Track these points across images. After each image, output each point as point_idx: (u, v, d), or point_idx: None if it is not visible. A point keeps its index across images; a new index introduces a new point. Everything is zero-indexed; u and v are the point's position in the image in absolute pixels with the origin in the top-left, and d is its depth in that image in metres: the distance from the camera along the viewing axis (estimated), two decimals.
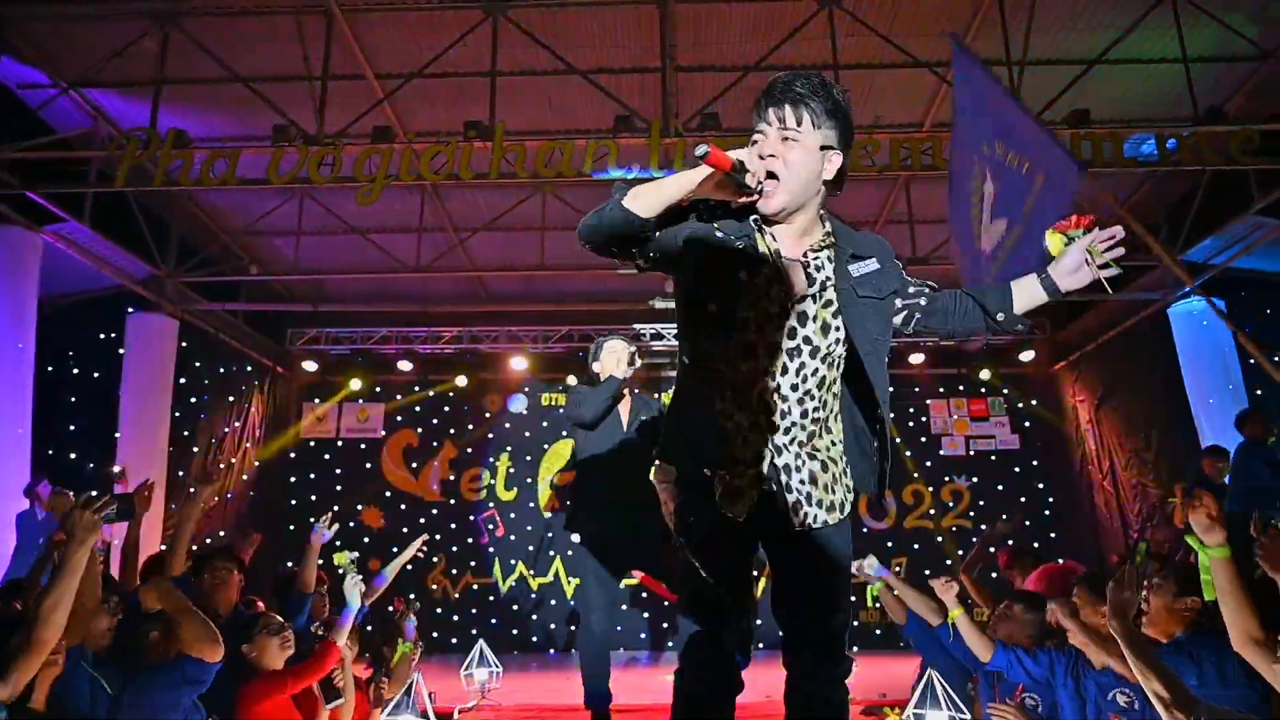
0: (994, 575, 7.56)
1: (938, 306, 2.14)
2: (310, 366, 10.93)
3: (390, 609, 4.71)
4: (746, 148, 1.90)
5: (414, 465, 11.18)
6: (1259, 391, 8.38)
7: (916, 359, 10.97)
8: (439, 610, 10.56)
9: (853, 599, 9.70)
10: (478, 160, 6.63)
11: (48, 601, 2.35)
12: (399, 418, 11.32)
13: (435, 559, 10.80)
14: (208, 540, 9.39)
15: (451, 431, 11.29)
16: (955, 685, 3.65)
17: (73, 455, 8.15)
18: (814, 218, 1.98)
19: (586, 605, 4.12)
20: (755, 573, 2.15)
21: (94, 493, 2.55)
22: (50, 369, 8.20)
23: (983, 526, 10.64)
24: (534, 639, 10.52)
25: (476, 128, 6.57)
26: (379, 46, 7.01)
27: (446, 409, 11.34)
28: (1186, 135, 6.67)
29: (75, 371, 8.33)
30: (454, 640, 10.21)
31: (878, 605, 4.88)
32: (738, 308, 1.90)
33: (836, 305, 1.95)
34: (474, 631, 10.06)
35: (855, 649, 9.17)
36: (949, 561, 10.54)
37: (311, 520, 4.31)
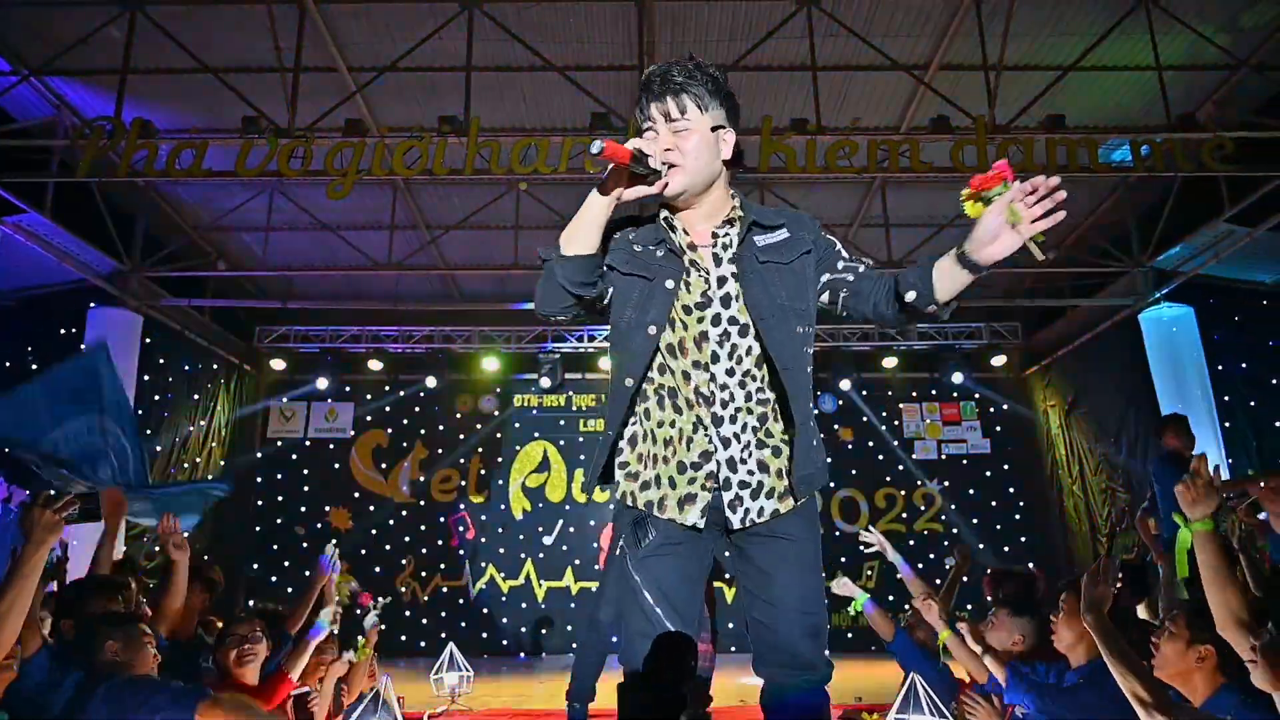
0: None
1: (860, 287, 1.94)
2: (278, 365, 10.74)
3: (357, 610, 4.58)
4: (639, 137, 1.86)
5: (384, 466, 11.03)
6: (1226, 399, 8.48)
7: (889, 363, 11.00)
8: (408, 613, 10.40)
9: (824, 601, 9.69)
10: (452, 156, 6.54)
11: (2, 605, 2.23)
12: (369, 418, 11.16)
13: (405, 561, 10.66)
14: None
15: (422, 432, 11.15)
16: (943, 699, 3.62)
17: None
18: (722, 198, 1.97)
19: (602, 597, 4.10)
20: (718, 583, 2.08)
21: (52, 491, 2.44)
22: (8, 364, 7.97)
23: (952, 555, 10.66)
24: (504, 642, 10.40)
25: (451, 123, 6.47)
26: (352, 39, 6.89)
27: (417, 409, 11.20)
28: (1160, 142, 6.73)
29: (35, 367, 8.08)
30: (422, 644, 10.08)
31: (855, 615, 4.84)
32: (662, 309, 1.89)
33: (746, 279, 1.90)
34: (443, 635, 9.91)
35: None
36: (920, 565, 10.56)
37: (298, 528, 4.18)
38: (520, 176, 6.62)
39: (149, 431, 8.87)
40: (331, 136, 6.61)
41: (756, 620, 1.90)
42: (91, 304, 8.30)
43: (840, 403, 11.14)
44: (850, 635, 10.01)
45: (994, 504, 11.03)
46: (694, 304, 1.90)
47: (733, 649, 9.72)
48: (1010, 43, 6.75)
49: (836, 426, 11.21)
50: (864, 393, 11.21)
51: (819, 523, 1.99)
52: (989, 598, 4.45)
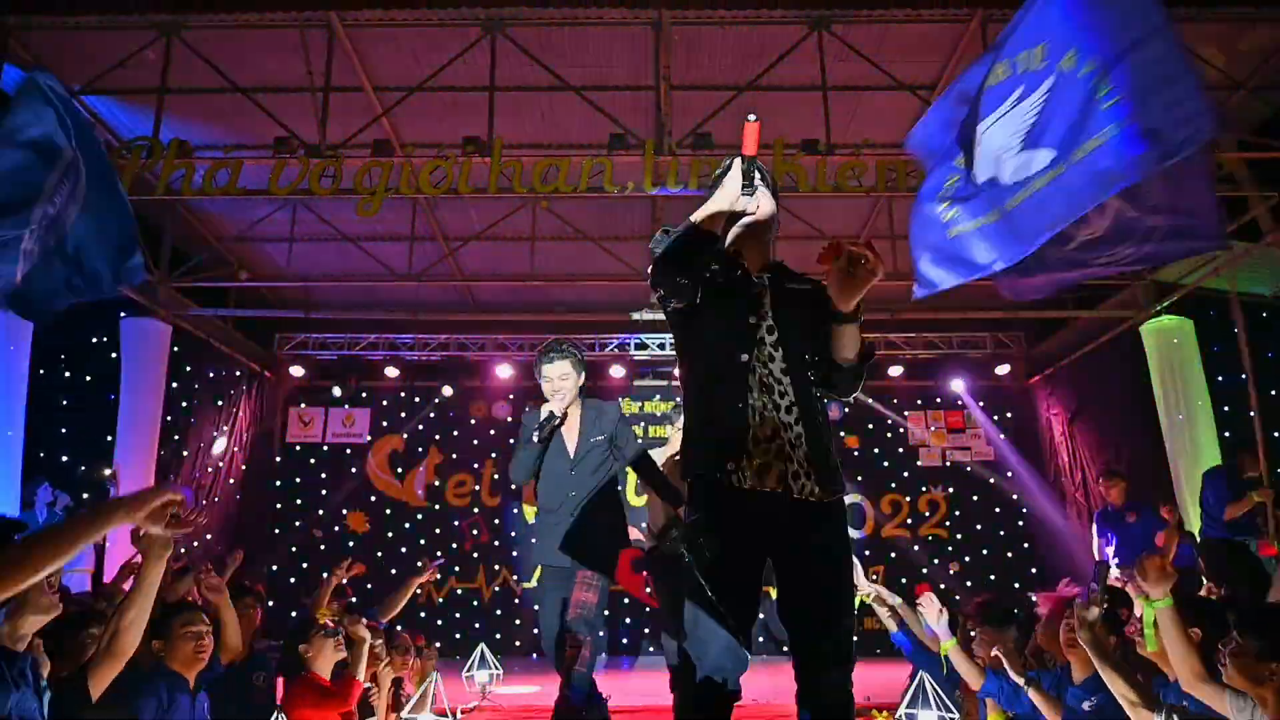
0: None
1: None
2: (297, 372, 11.00)
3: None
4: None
5: (399, 470, 11.27)
6: (1225, 409, 8.68)
7: (895, 371, 11.22)
8: (423, 615, 10.63)
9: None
10: (476, 175, 6.78)
11: (130, 615, 2.43)
12: (385, 423, 11.40)
13: (420, 563, 10.88)
14: (194, 544, 9.44)
15: (437, 438, 11.39)
16: (945, 693, 3.83)
17: (65, 458, 8.19)
18: (769, 253, 2.41)
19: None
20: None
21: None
22: (43, 372, 8.22)
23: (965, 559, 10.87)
24: (517, 643, 10.63)
25: (475, 143, 6.72)
26: (379, 61, 7.14)
27: (433, 415, 11.44)
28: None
29: (68, 375, 8.36)
30: (437, 644, 10.26)
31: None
32: (737, 312, 2.27)
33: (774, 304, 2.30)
34: (457, 636, 10.18)
35: None
36: (924, 570, 10.79)
37: (316, 531, 4.38)
38: (542, 195, 6.86)
39: (176, 437, 9.14)
40: (360, 156, 6.85)
41: (795, 624, 2.13)
42: (122, 314, 8.56)
43: (846, 410, 11.36)
44: (855, 639, 10.21)
45: (997, 510, 11.24)
46: (759, 311, 2.30)
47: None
48: None
49: (843, 434, 11.43)
50: (869, 400, 11.43)
51: (845, 509, 2.26)
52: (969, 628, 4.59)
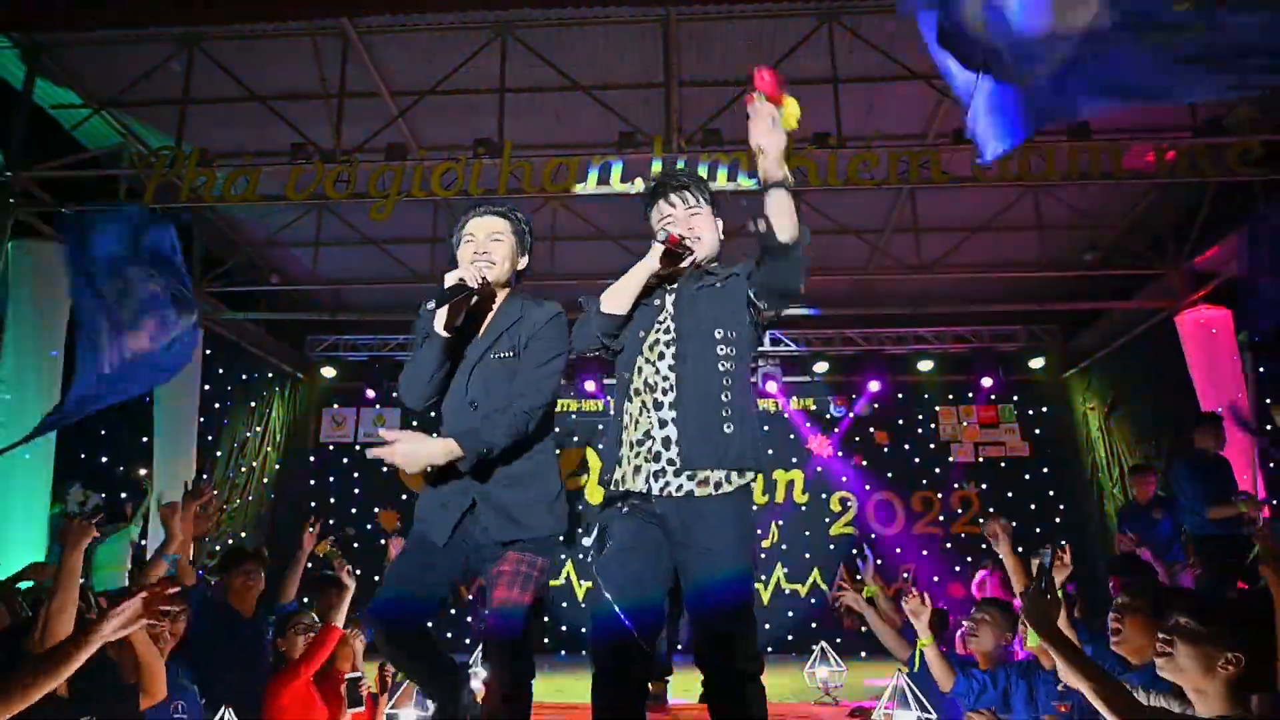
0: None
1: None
2: (329, 373, 11.23)
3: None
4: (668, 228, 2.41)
5: (430, 469, 11.39)
6: (1268, 401, 8.39)
7: (925, 365, 11.05)
8: (453, 611, 10.77)
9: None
10: (486, 176, 6.85)
11: (54, 604, 2.57)
12: (415, 423, 11.55)
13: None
14: (229, 541, 9.69)
15: None
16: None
17: (104, 459, 8.46)
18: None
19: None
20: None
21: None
22: None
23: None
24: (544, 640, 10.70)
25: (485, 144, 6.79)
26: (394, 66, 7.25)
27: None
28: (1185, 147, 6.75)
29: None
30: (467, 640, 10.43)
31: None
32: (636, 331, 2.39)
33: (691, 300, 2.39)
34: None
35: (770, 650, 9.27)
36: (958, 568, 10.62)
37: (349, 529, 4.46)
38: (552, 195, 6.91)
39: (209, 438, 9.39)
40: (374, 160, 6.97)
41: (694, 616, 2.16)
42: None
43: (876, 406, 11.24)
44: (839, 641, 10.12)
45: (1032, 507, 11.00)
46: (658, 319, 2.42)
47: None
48: None
49: (872, 429, 11.30)
50: (899, 395, 11.28)
51: (749, 519, 2.28)
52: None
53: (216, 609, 4.08)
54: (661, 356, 2.32)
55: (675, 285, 2.43)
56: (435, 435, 2.52)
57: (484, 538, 2.48)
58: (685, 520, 2.17)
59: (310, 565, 4.77)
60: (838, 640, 10.23)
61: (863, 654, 8.98)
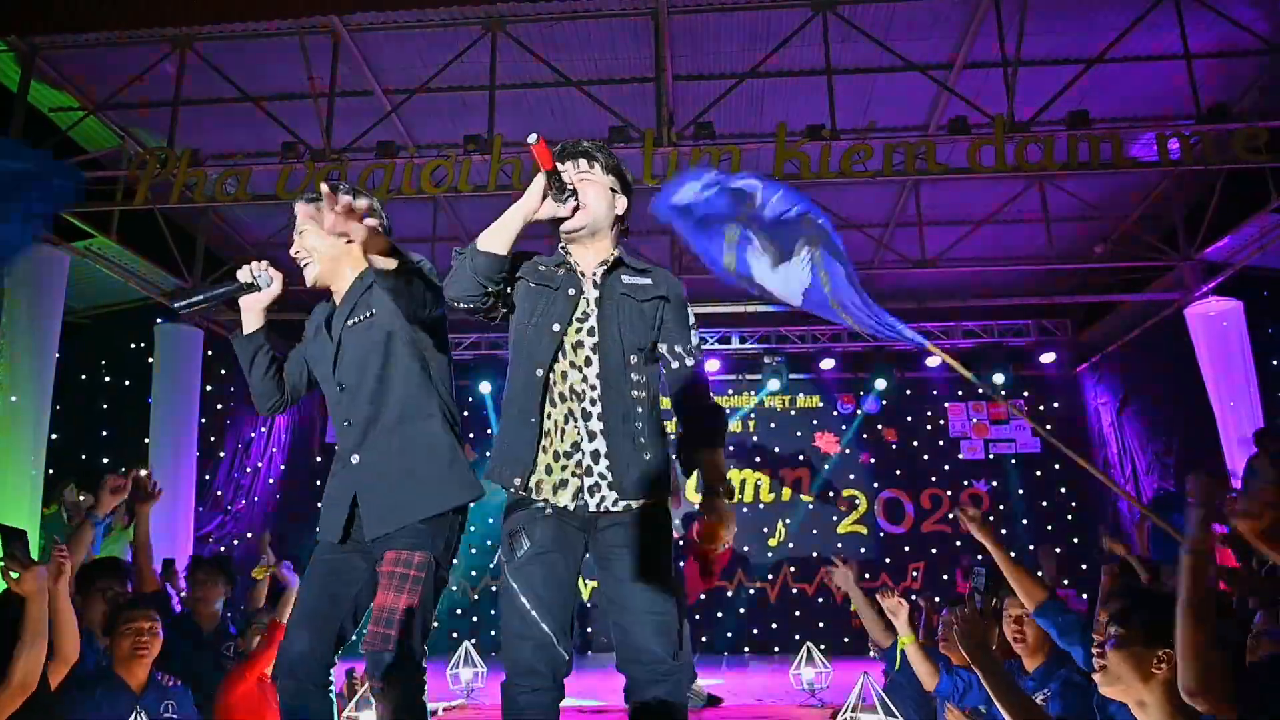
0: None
1: (674, 379, 2.30)
2: None
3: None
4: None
5: None
6: (1279, 395, 8.20)
7: (933, 362, 10.90)
8: (459, 611, 10.77)
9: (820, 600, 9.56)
10: (477, 173, 6.81)
11: (27, 645, 2.50)
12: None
13: (456, 560, 11.03)
14: (235, 542, 9.73)
15: (471, 435, 11.50)
16: (909, 695, 3.69)
17: (105, 460, 8.51)
18: (609, 247, 2.29)
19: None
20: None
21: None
22: (83, 377, 8.57)
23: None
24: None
25: (475, 141, 6.75)
26: (385, 64, 7.23)
27: (466, 413, 11.56)
28: (1189, 134, 6.58)
29: (107, 380, 8.69)
30: (473, 640, 10.39)
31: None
32: (552, 316, 2.18)
33: (607, 305, 2.21)
34: (493, 633, 10.27)
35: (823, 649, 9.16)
36: (967, 565, 10.45)
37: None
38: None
39: (212, 439, 9.42)
40: (364, 158, 6.95)
41: (616, 624, 2.10)
42: (157, 320, 8.86)
43: (884, 403, 11.10)
44: (846, 640, 10.04)
45: (1044, 504, 10.83)
46: (579, 315, 2.21)
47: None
48: (1031, 37, 6.70)
49: (880, 427, 11.17)
50: (908, 392, 11.14)
51: (669, 530, 2.20)
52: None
53: (179, 620, 4.07)
54: (588, 363, 2.16)
55: (590, 273, 2.24)
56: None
57: (360, 536, 2.31)
58: (625, 531, 2.12)
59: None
60: (845, 640, 10.17)
61: (872, 654, 8.84)
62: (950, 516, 10.70)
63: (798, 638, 10.32)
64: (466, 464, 2.37)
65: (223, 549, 9.51)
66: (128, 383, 8.88)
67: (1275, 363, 8.33)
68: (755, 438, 11.19)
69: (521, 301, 2.23)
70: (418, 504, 2.25)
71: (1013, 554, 3.22)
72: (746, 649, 10.59)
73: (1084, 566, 10.64)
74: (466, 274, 2.10)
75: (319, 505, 9.02)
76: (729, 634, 10.61)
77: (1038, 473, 10.96)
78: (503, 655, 2.08)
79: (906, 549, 10.76)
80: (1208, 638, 1.88)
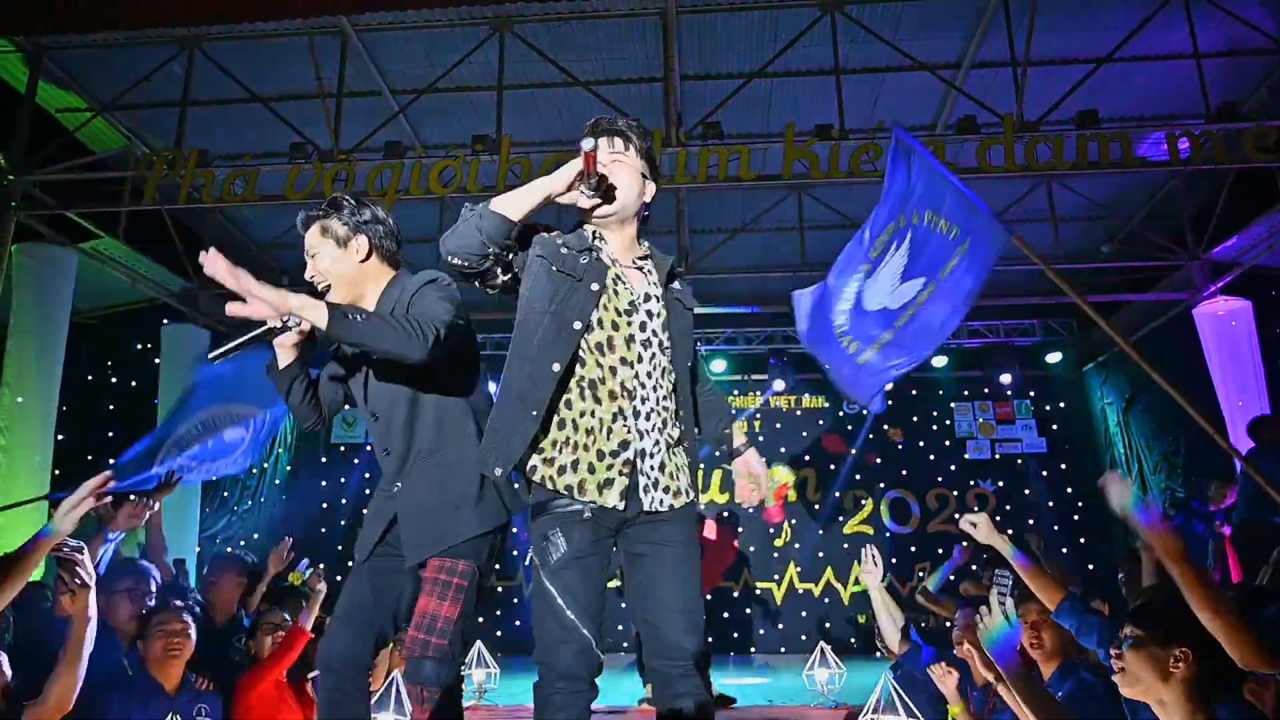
0: None
1: (706, 379, 2.44)
2: None
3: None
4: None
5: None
6: None
7: (939, 361, 10.89)
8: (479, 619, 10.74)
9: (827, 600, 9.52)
10: (485, 173, 6.80)
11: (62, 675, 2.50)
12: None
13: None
14: (241, 543, 9.73)
15: None
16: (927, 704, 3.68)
17: (110, 460, 8.50)
18: (634, 237, 2.24)
19: None
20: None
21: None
22: (90, 378, 8.57)
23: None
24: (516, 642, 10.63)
25: (484, 141, 6.75)
26: (393, 64, 7.22)
27: None
28: (1198, 134, 6.57)
29: (113, 380, 8.70)
30: (478, 641, 10.40)
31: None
32: (586, 307, 2.09)
33: (664, 307, 2.20)
34: (499, 634, 10.27)
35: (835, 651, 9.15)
36: (974, 566, 10.42)
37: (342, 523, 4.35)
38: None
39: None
40: (372, 159, 6.95)
41: (647, 620, 2.07)
42: (164, 320, 8.86)
43: (890, 403, 11.08)
44: (853, 641, 10.04)
45: (1050, 504, 10.81)
46: (624, 308, 2.13)
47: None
48: (1040, 37, 6.68)
49: (886, 426, 11.15)
50: (914, 392, 11.12)
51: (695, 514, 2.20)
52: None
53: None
54: (640, 359, 2.09)
55: (620, 262, 2.16)
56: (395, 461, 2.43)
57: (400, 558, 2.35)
58: (661, 528, 2.09)
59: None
60: (852, 641, 10.16)
61: (878, 655, 8.84)
62: (956, 517, 10.67)
63: (804, 638, 10.33)
64: (495, 490, 2.35)
65: (229, 549, 9.52)
66: (134, 383, 8.87)
67: None
68: (761, 438, 11.17)
69: (538, 283, 2.09)
70: (451, 532, 2.28)
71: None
72: (753, 649, 10.58)
73: (1091, 566, 10.62)
74: (471, 230, 2.00)
75: (324, 506, 9.13)
76: (735, 634, 10.60)
77: (1044, 472, 10.93)
78: (538, 657, 2.02)
79: (913, 549, 10.74)
80: (1227, 616, 1.97)
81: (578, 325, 2.07)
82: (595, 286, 2.10)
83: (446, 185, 6.76)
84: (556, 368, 2.05)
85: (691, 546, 2.12)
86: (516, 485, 2.25)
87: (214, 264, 1.93)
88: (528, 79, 7.28)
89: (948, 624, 3.91)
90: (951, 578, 6.01)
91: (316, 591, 3.79)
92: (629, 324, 2.12)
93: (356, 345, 2.12)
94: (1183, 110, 7.21)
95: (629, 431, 2.07)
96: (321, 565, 4.15)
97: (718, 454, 2.38)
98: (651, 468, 2.08)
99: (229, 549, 9.45)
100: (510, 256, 2.08)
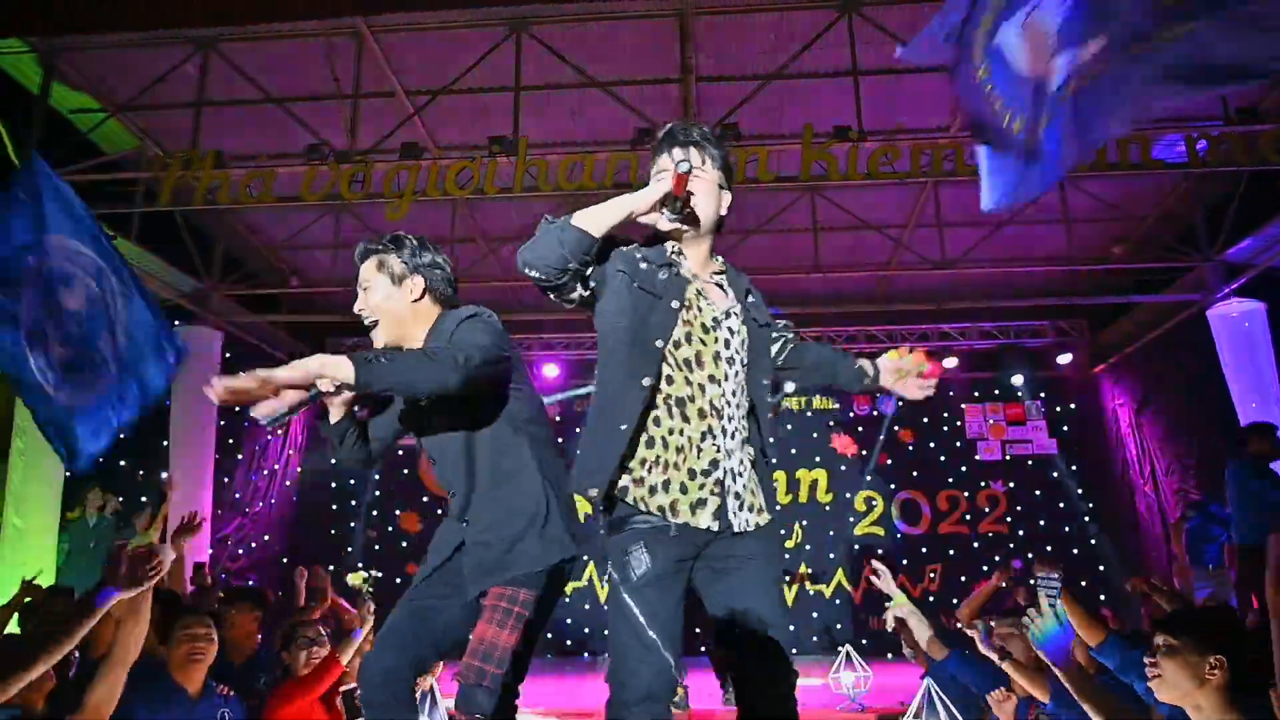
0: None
1: (799, 343, 2.36)
2: None
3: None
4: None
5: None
6: None
7: (950, 363, 10.88)
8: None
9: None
10: (502, 175, 6.78)
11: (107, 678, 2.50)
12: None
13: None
14: (253, 545, 9.71)
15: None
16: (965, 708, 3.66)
17: (122, 462, 8.49)
18: (710, 250, 2.21)
19: None
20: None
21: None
22: None
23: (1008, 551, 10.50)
24: (568, 642, 10.65)
25: (500, 143, 6.72)
26: (408, 65, 7.20)
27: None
28: (1217, 135, 6.56)
29: None
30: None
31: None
32: (668, 324, 2.04)
33: (743, 323, 2.16)
34: None
35: (865, 653, 9.14)
36: (985, 567, 10.43)
37: (370, 531, 4.28)
38: (567, 193, 6.82)
39: (230, 441, 9.40)
40: (389, 160, 6.92)
41: (738, 636, 1.99)
42: (176, 322, 8.82)
43: (900, 404, 11.07)
44: (865, 641, 10.00)
45: (1061, 506, 10.81)
46: (708, 323, 2.09)
47: None
48: None
49: (897, 428, 11.15)
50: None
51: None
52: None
53: None
54: (726, 377, 2.06)
55: (711, 287, 2.13)
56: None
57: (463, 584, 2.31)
58: (746, 542, 2.05)
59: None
60: (863, 641, 10.15)
61: (889, 655, 8.84)
62: (1006, 519, 10.65)
63: (815, 639, 10.33)
64: (560, 523, 2.32)
65: (240, 551, 9.51)
66: None
67: None
68: (771, 439, 11.15)
69: (619, 299, 2.05)
70: (512, 564, 2.24)
71: (1021, 560, 3.20)
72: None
73: (1101, 568, 10.63)
74: (552, 244, 1.95)
75: (333, 507, 9.09)
76: None
77: (1054, 474, 10.93)
78: (613, 676, 1.96)
79: (924, 550, 10.74)
80: None
81: (659, 343, 2.02)
82: (675, 304, 2.05)
83: (464, 187, 6.74)
84: (647, 382, 2.01)
85: (776, 562, 2.10)
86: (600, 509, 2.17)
87: (221, 388, 1.85)
88: (542, 80, 7.25)
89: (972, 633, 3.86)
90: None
91: (356, 634, 3.75)
92: (714, 340, 2.08)
93: (390, 389, 2.08)
94: (1199, 112, 7.18)
95: (718, 450, 2.03)
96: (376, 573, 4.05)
97: (864, 385, 2.36)
98: (743, 488, 2.05)
99: (240, 550, 9.43)
100: (588, 271, 2.03)
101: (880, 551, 10.76)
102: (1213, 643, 2.29)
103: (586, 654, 10.55)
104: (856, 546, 10.80)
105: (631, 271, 2.06)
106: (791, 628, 10.37)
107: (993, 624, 3.58)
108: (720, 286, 2.19)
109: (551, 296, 2.07)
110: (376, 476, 11.37)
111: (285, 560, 9.96)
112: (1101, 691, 2.51)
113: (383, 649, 2.28)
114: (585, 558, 10.39)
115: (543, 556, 2.25)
